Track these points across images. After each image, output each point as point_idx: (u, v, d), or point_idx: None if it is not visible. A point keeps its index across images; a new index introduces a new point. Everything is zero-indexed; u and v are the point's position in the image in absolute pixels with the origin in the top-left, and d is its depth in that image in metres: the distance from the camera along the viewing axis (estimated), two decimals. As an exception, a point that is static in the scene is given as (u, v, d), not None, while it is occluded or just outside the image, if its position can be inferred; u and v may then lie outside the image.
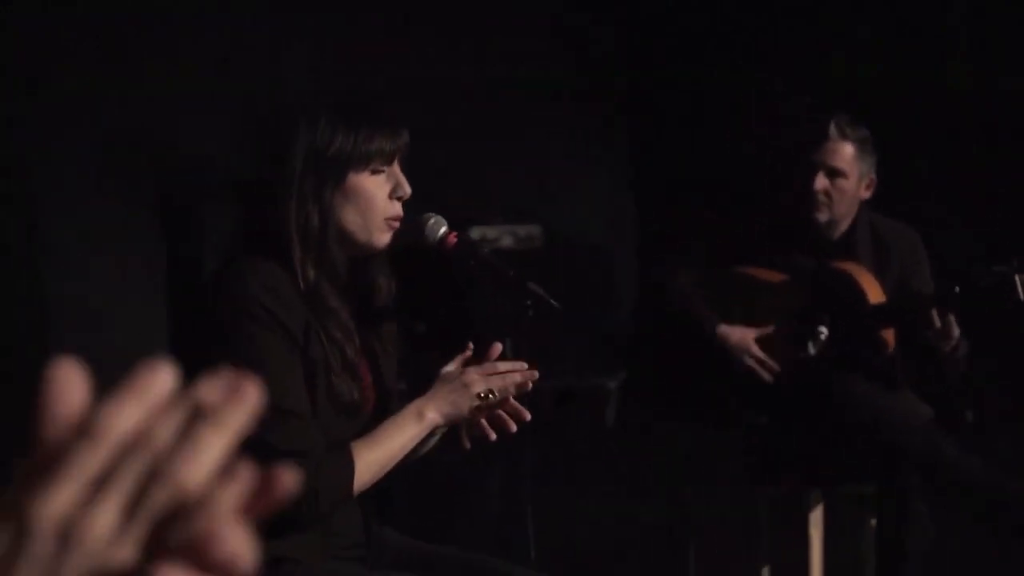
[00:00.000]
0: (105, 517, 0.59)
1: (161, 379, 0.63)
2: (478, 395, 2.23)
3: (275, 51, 5.99)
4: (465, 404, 2.24)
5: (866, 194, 3.53)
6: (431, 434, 2.28)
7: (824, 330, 3.41)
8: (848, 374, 3.45)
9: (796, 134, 3.63)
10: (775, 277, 3.56)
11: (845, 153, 3.47)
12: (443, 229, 2.44)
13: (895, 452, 3.33)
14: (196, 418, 0.62)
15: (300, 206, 2.13)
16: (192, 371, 1.96)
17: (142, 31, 5.85)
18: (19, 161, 5.80)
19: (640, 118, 6.64)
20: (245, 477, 0.62)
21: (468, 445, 2.36)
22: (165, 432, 0.62)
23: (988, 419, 3.99)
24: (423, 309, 5.22)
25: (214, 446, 0.62)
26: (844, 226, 3.54)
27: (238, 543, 0.61)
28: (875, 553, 3.41)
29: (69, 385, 0.63)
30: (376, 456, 2.18)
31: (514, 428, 2.32)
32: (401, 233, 2.35)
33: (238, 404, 0.64)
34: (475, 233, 5.43)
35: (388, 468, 2.21)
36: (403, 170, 2.24)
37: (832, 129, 3.45)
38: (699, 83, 6.22)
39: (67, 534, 0.59)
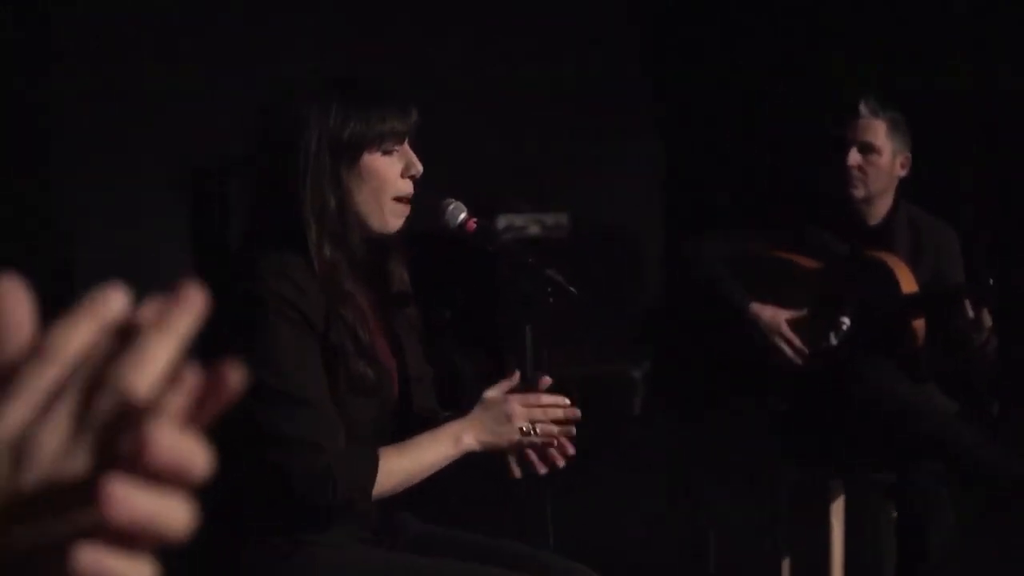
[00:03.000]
0: (56, 431, 0.60)
1: (113, 302, 0.64)
2: (520, 429, 2.24)
3: (304, 28, 6.03)
4: (505, 435, 2.24)
5: (901, 172, 3.54)
6: None
7: (847, 321, 3.39)
8: (874, 363, 3.44)
9: (828, 113, 3.64)
10: (807, 263, 3.56)
11: (877, 129, 3.48)
12: (463, 215, 2.44)
13: (918, 442, 3.32)
14: (144, 329, 0.62)
15: (316, 189, 2.13)
16: (210, 359, 1.99)
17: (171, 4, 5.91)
18: (44, 135, 5.87)
19: (670, 105, 6.63)
20: (191, 381, 0.61)
21: (518, 474, 2.35)
22: (113, 345, 0.62)
23: (1014, 413, 3.96)
24: (448, 295, 5.24)
25: (159, 352, 0.61)
26: (881, 210, 3.53)
27: (185, 447, 0.60)
28: (896, 544, 3.39)
29: (15, 304, 0.63)
30: (403, 466, 2.18)
31: (562, 463, 2.32)
32: (424, 219, 2.37)
33: (182, 311, 0.63)
34: (502, 221, 5.44)
35: (414, 481, 2.21)
36: (415, 149, 2.25)
37: (862, 107, 3.47)
38: (728, 69, 6.20)
39: (21, 450, 0.60)
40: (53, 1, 5.80)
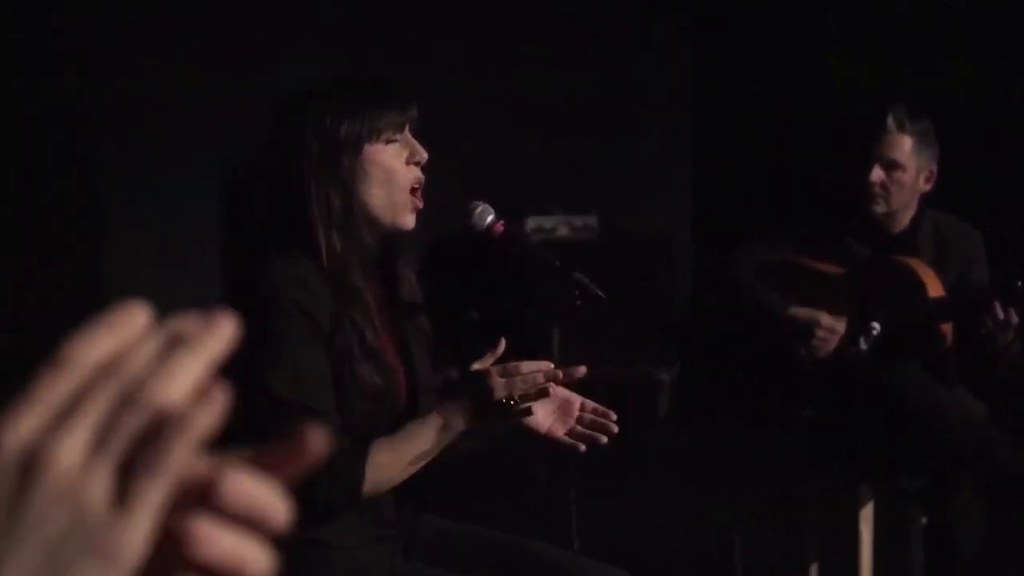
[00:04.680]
0: (72, 444, 0.56)
1: (136, 316, 0.61)
2: (500, 401, 2.18)
3: (324, 28, 6.04)
4: (489, 410, 2.19)
5: (926, 187, 3.50)
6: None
7: (876, 326, 3.37)
8: (904, 368, 3.42)
9: (854, 125, 3.59)
10: (834, 269, 3.54)
11: (903, 145, 3.43)
12: (490, 217, 2.44)
13: (949, 448, 3.29)
14: (171, 346, 0.60)
15: (320, 189, 2.14)
16: (227, 364, 1.99)
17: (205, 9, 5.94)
18: (84, 138, 5.91)
19: (699, 107, 6.62)
20: (221, 399, 0.60)
21: (580, 447, 2.30)
22: (138, 359, 0.59)
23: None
24: (476, 298, 5.23)
25: (188, 369, 0.59)
26: (905, 220, 3.51)
27: (263, 495, 0.59)
28: (925, 551, 3.37)
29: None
30: (391, 459, 2.14)
31: (603, 439, 2.29)
32: (452, 221, 2.37)
33: (213, 332, 0.61)
34: (531, 223, 5.43)
35: (410, 471, 2.17)
36: (418, 139, 2.24)
37: (890, 121, 3.42)
38: (756, 74, 6.20)
39: (31, 462, 0.56)
40: (87, 6, 5.84)
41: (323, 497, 2.07)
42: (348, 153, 2.16)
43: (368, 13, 6.24)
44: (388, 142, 2.20)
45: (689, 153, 6.62)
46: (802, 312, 3.45)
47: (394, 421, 2.23)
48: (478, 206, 2.45)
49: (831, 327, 3.42)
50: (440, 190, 2.33)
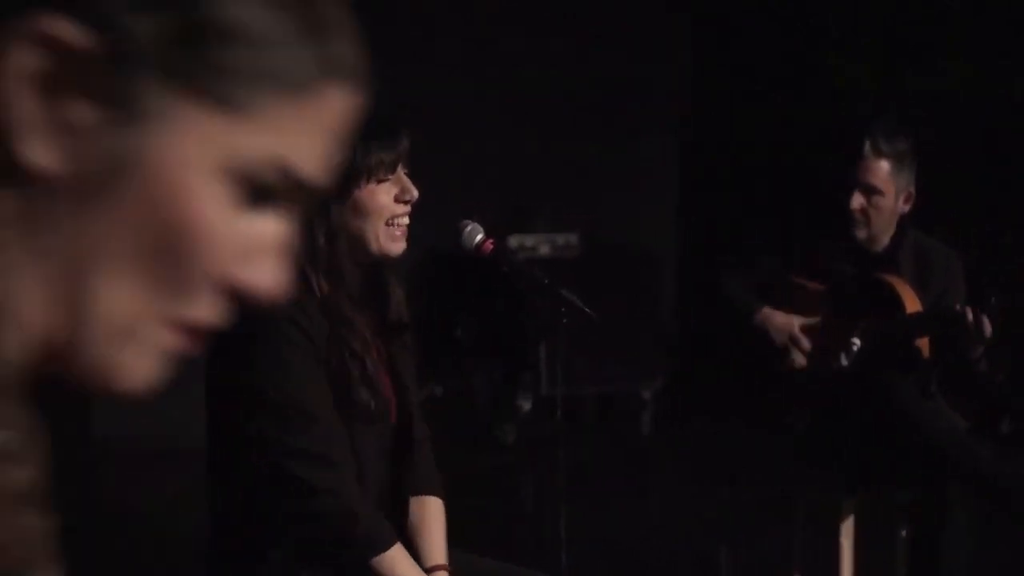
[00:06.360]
0: None
1: None
2: None
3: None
4: None
5: (905, 207, 3.52)
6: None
7: (857, 342, 3.41)
8: (890, 382, 3.45)
9: (833, 151, 3.61)
10: (818, 287, 3.58)
11: (881, 171, 3.45)
12: (479, 236, 2.46)
13: (933, 458, 3.33)
14: None
15: (303, 225, 2.14)
16: (220, 376, 1.98)
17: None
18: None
19: (701, 109, 6.63)
20: None
21: None
22: None
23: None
24: (466, 314, 5.26)
25: None
26: (886, 240, 3.54)
27: None
28: (908, 563, 3.40)
29: None
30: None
31: None
32: (443, 240, 2.39)
33: None
34: (514, 241, 5.46)
35: None
36: (409, 174, 2.23)
37: (867, 148, 3.43)
38: (760, 75, 6.22)
39: None
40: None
41: (350, 526, 2.10)
42: (336, 195, 2.16)
43: (368, 13, 6.25)
44: (379, 181, 2.20)
45: (689, 154, 6.64)
46: (776, 319, 3.50)
47: (384, 439, 2.26)
48: (467, 225, 2.47)
49: (798, 340, 3.47)
50: (439, 191, 2.32)
